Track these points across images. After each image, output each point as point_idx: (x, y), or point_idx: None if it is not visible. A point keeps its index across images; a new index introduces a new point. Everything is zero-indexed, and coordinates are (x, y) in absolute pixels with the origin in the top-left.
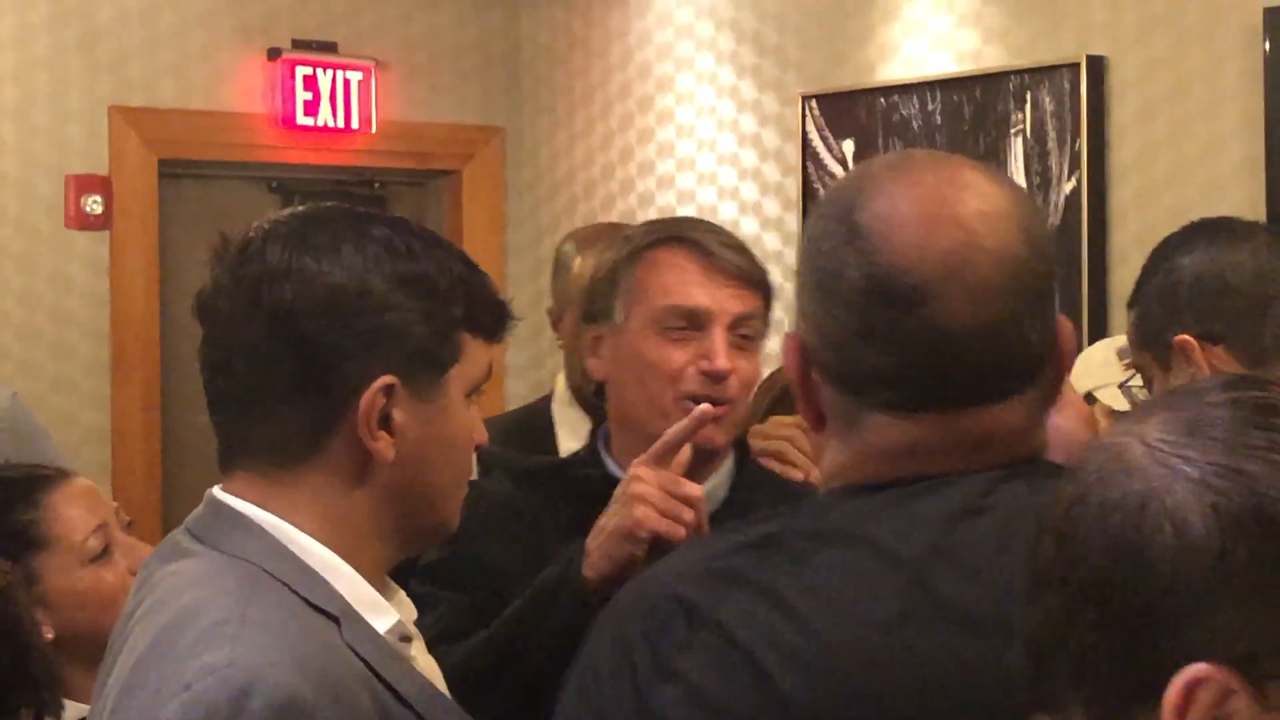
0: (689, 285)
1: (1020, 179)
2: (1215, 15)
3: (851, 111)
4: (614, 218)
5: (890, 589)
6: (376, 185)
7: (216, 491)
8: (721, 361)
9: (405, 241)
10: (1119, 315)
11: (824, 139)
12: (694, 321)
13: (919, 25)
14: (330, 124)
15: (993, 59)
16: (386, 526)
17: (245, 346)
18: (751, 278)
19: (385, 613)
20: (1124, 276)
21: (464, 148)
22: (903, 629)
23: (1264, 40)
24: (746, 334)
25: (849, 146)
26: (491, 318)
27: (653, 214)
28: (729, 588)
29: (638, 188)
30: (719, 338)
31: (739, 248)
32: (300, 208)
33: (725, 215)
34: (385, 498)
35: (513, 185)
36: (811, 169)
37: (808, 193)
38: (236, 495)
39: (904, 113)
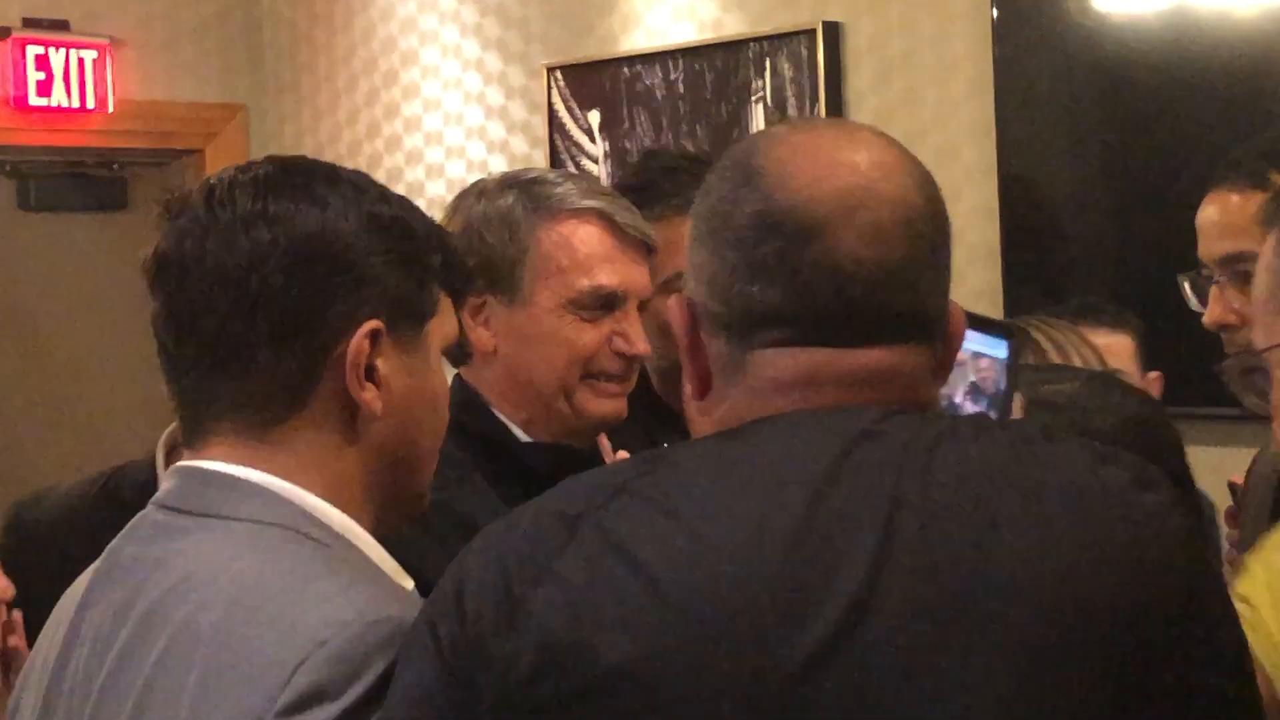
0: (605, 264)
1: None
2: None
3: (596, 82)
4: None
5: (786, 504)
6: (116, 166)
7: (192, 462)
8: (640, 345)
9: (377, 188)
10: None
11: (570, 110)
12: (609, 302)
13: None
14: (65, 104)
15: (732, 27)
16: (374, 491)
17: (220, 298)
18: (653, 248)
19: (404, 578)
20: None
21: (206, 126)
22: (800, 542)
23: (992, 6)
24: (644, 306)
25: (595, 117)
26: (462, 276)
27: (401, 189)
28: (616, 496)
29: (385, 163)
30: (635, 318)
31: (635, 212)
32: (257, 161)
33: None
34: (374, 458)
35: None
36: (559, 140)
37: (555, 163)
38: (217, 460)
39: (648, 82)
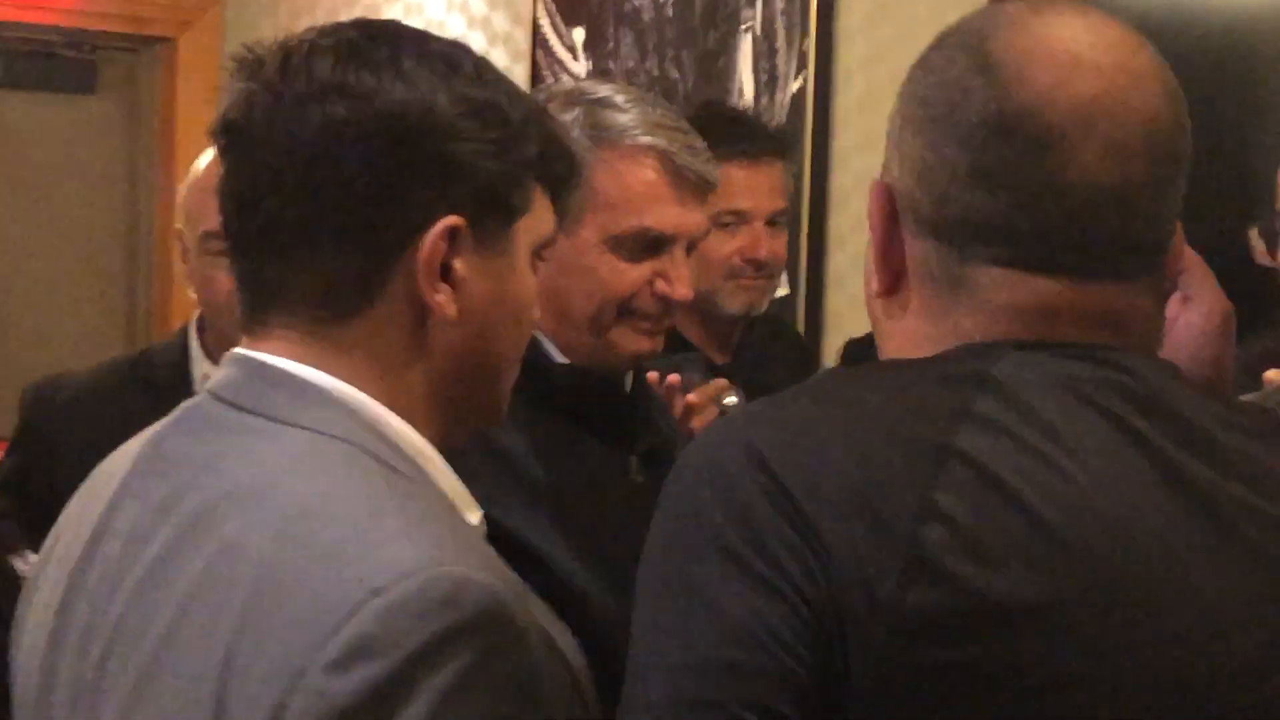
0: (656, 205)
1: (749, 77)
2: None
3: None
4: None
5: (1119, 442)
6: (87, 49)
7: (250, 352)
8: (684, 289)
9: (474, 63)
10: (837, 219)
11: (555, 26)
12: (656, 244)
13: None
14: None
15: None
16: (443, 402)
17: (286, 176)
18: (712, 188)
19: (473, 508)
20: (844, 180)
21: (181, 14)
22: (1148, 487)
23: None
24: (694, 247)
25: (579, 35)
26: (563, 169)
27: None
28: (961, 420)
29: None
30: (682, 261)
31: (699, 149)
32: (344, 24)
33: None
34: (448, 367)
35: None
36: (541, 56)
37: (537, 79)
38: (279, 355)
39: (636, 3)
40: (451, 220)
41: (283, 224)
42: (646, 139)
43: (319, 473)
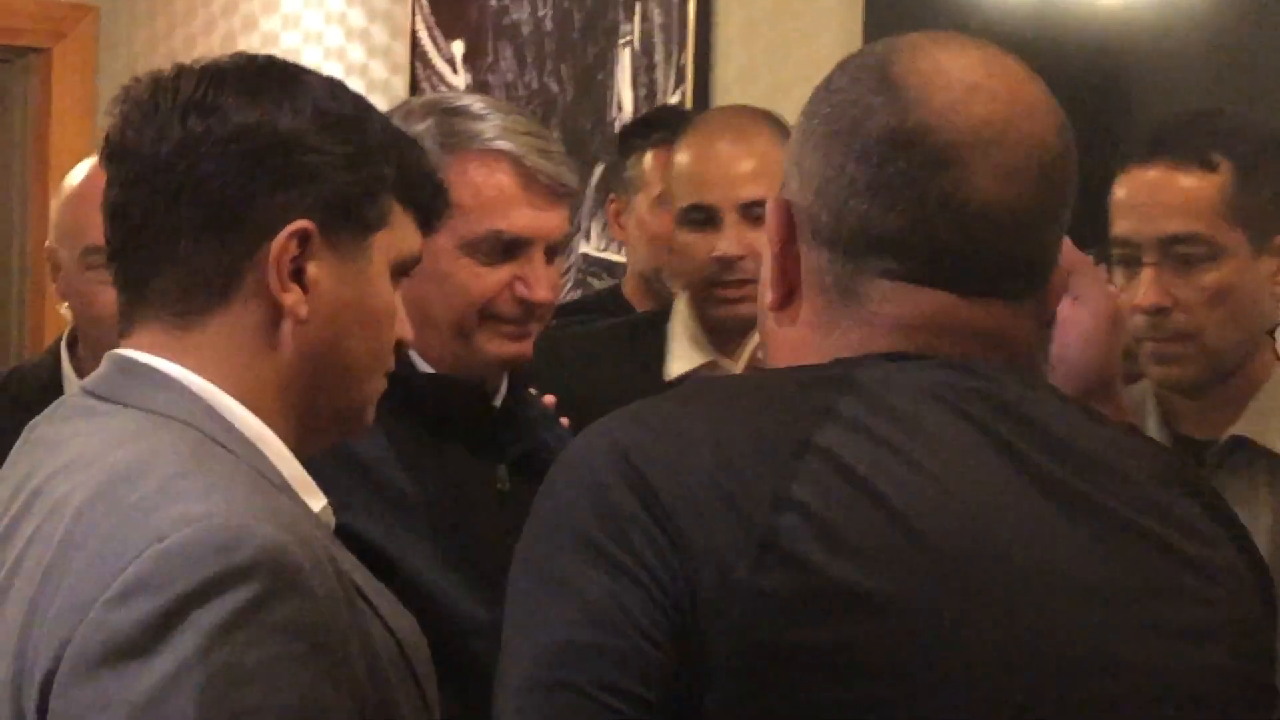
0: (508, 209)
1: (628, 91)
2: None
3: (463, 12)
4: None
5: (980, 444)
6: None
7: (121, 350)
8: (543, 292)
9: (337, 90)
10: None
11: (433, 38)
12: (510, 248)
13: None
14: None
15: None
16: (295, 401)
17: (150, 185)
18: (569, 191)
19: (315, 496)
20: None
21: (55, 25)
22: (1008, 486)
23: None
24: (558, 250)
25: (458, 47)
26: (428, 195)
27: None
28: (822, 419)
29: None
30: (540, 263)
31: (554, 153)
32: (224, 56)
33: None
34: (297, 365)
35: (106, 68)
36: (419, 68)
37: (415, 91)
38: (142, 350)
39: (515, 16)
40: (301, 224)
41: (147, 228)
42: (498, 144)
43: (143, 443)
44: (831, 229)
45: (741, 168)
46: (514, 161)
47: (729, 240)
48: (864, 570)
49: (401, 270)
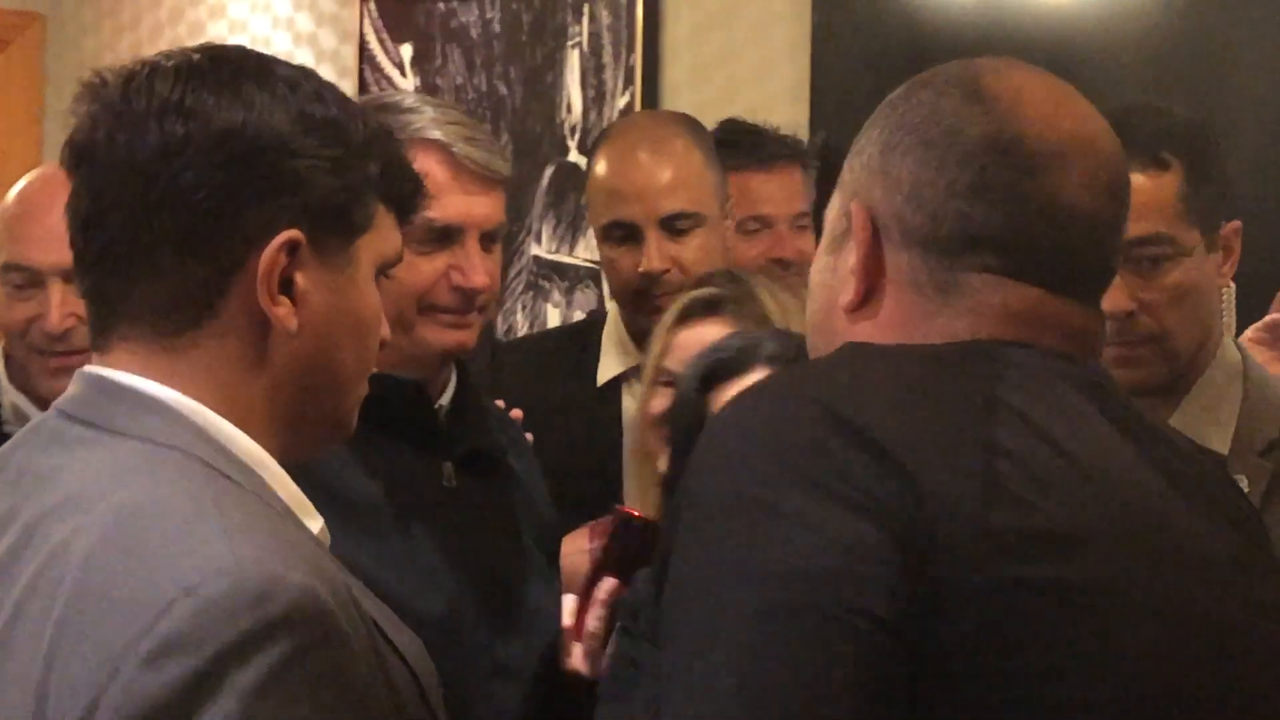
0: (441, 197)
1: (576, 92)
2: None
3: (411, 16)
4: None
5: (1108, 425)
6: None
7: (95, 368)
8: (479, 278)
9: (314, 86)
10: None
11: (382, 42)
12: (443, 236)
13: None
14: None
15: None
16: (284, 414)
17: (127, 193)
18: (500, 177)
19: (313, 516)
20: None
21: (2, 33)
22: (1138, 462)
23: None
24: (494, 238)
25: (407, 51)
26: (408, 189)
27: None
28: (992, 382)
29: None
30: (474, 251)
31: (482, 140)
32: (190, 48)
33: None
34: (286, 379)
35: (54, 77)
36: (368, 72)
37: (364, 96)
38: (121, 370)
39: (463, 19)
40: (290, 234)
41: (124, 240)
42: (424, 134)
43: (147, 479)
44: (927, 229)
45: (659, 181)
46: (442, 149)
47: (651, 256)
48: (1068, 513)
49: (384, 270)
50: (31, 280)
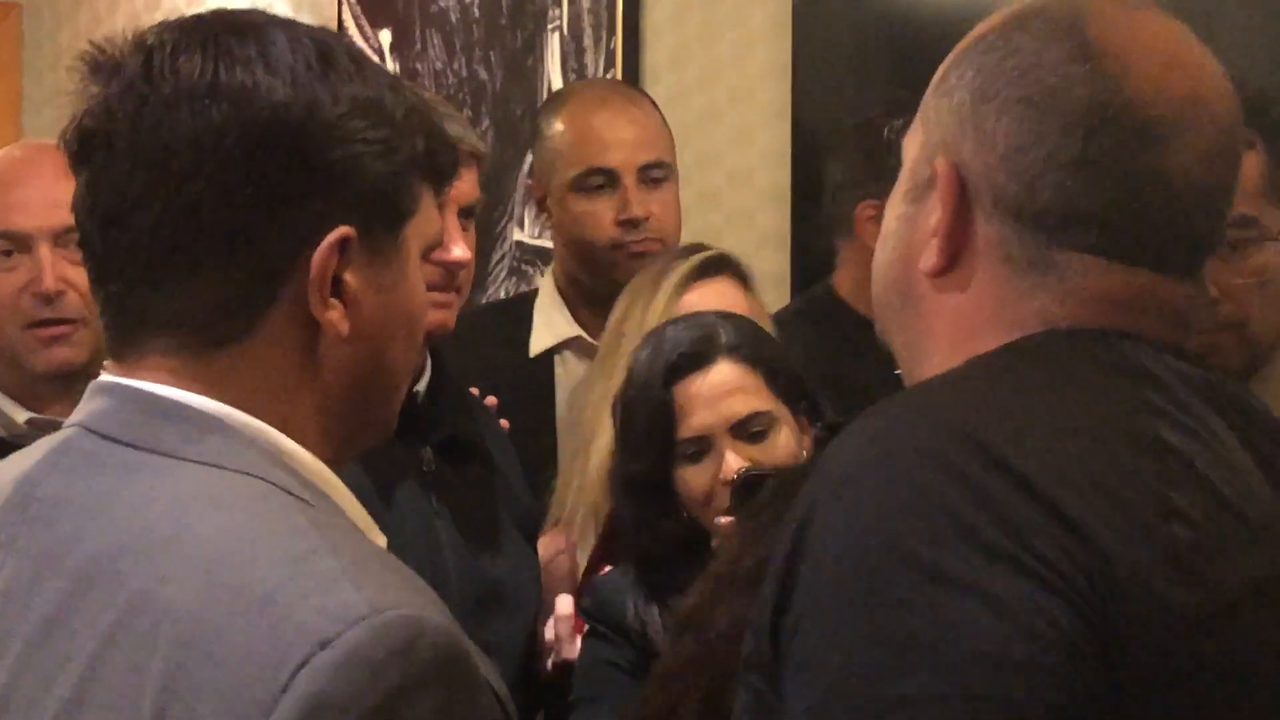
0: None
1: (557, 76)
2: None
3: (389, 1)
4: None
5: (1234, 438)
6: None
7: (124, 380)
8: (455, 252)
9: (348, 54)
10: None
11: (360, 27)
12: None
13: None
14: None
15: None
16: (337, 425)
17: (158, 189)
18: (474, 152)
19: (378, 534)
20: None
21: None
22: (1263, 481)
23: None
24: (470, 213)
25: (386, 36)
26: (448, 160)
27: None
28: (1151, 415)
29: None
30: (454, 225)
31: (455, 117)
32: (202, 14)
33: None
34: (338, 387)
35: (31, 66)
36: None
37: None
38: (160, 383)
39: (442, 4)
40: (343, 231)
41: (157, 242)
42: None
43: (229, 512)
44: (1021, 199)
45: (636, 132)
46: None
47: (632, 202)
48: (1235, 579)
49: (426, 254)
50: (20, 246)
